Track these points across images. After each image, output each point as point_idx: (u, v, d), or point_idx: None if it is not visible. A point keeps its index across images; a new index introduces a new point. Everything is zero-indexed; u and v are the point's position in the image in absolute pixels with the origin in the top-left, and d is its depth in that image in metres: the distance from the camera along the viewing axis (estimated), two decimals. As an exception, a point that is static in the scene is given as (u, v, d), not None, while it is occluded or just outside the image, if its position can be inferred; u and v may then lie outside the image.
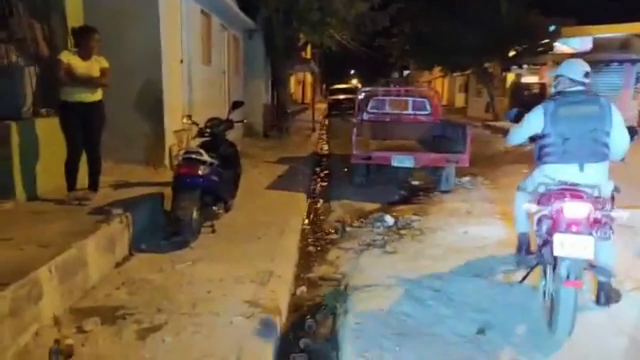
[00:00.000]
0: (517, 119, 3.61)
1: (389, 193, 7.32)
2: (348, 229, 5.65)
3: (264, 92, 14.90)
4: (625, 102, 17.86)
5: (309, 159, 10.26)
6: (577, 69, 3.36)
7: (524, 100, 21.14)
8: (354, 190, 7.44)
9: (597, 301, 3.28)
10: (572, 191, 3.04)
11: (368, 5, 13.79)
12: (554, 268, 2.94)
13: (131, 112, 6.55)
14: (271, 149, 11.40)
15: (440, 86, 39.39)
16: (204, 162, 4.65)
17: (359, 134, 7.27)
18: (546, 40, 18.49)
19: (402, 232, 5.38)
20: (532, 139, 3.48)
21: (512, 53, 20.23)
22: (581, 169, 3.16)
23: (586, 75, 3.34)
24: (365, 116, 8.89)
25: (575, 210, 2.90)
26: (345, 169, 8.46)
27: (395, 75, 54.88)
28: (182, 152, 4.89)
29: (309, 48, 21.93)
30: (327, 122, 22.05)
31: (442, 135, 7.85)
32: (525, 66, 19.77)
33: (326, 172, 9.58)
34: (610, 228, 2.90)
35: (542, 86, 20.39)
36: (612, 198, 3.18)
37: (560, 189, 3.11)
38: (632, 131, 3.34)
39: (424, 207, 6.49)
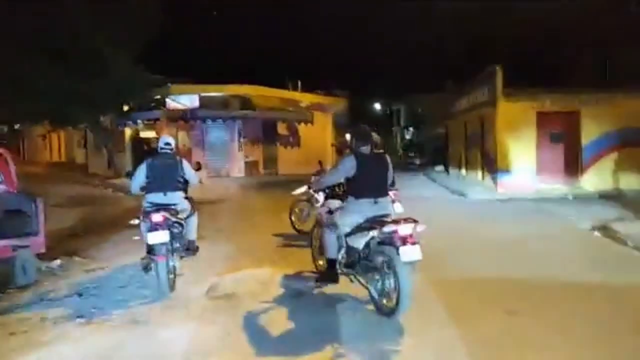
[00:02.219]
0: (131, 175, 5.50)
1: None
2: None
3: None
4: (234, 154, 19.91)
5: None
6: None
7: (145, 154, 20.95)
8: None
9: None
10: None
11: None
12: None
13: None
14: None
15: (57, 141, 35.37)
16: None
17: None
18: (157, 96, 18.76)
19: None
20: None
21: (126, 108, 19.68)
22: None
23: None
24: None
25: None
26: None
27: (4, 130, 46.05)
28: None
29: None
30: None
31: (16, 210, 5.99)
32: (139, 121, 19.48)
33: None
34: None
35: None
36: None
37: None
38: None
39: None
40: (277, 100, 20.47)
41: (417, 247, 4.03)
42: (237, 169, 19.83)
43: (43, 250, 5.23)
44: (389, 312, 4.15)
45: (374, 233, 4.23)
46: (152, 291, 4.97)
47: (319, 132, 22.99)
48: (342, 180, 4.76)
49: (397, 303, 4.01)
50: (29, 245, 5.11)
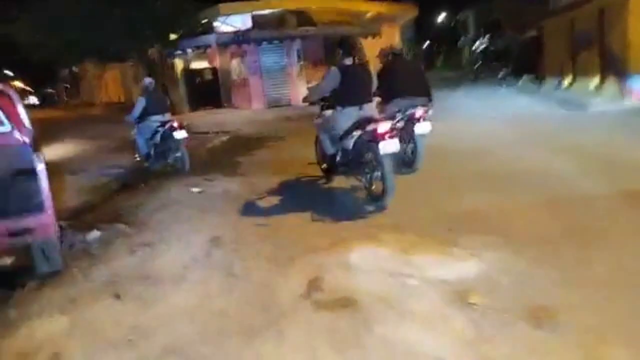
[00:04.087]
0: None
1: None
2: None
3: None
4: (293, 80, 17.74)
5: None
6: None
7: (198, 89, 19.24)
8: None
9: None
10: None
11: None
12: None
13: None
14: None
15: (113, 80, 34.56)
16: None
17: None
18: (205, 20, 16.67)
19: None
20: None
21: (173, 36, 17.79)
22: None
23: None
24: None
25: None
26: None
27: (66, 72, 45.96)
28: None
29: None
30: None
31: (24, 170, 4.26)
32: (190, 50, 17.58)
33: None
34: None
35: (215, 71, 18.72)
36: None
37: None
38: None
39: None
40: (338, 13, 17.73)
41: (394, 141, 4.59)
42: (299, 96, 17.73)
43: (51, 232, 3.53)
44: (377, 198, 4.81)
45: (358, 133, 4.87)
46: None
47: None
48: (329, 91, 5.05)
49: (384, 191, 4.67)
50: (31, 228, 3.42)
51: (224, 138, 12.25)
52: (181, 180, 6.97)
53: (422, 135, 5.86)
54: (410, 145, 5.99)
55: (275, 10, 16.63)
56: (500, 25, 32.26)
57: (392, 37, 20.50)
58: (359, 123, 4.86)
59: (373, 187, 4.88)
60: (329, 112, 5.37)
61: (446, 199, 4.99)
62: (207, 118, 15.75)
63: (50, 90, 54.25)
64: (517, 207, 4.57)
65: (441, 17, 47.87)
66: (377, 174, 4.73)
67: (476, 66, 27.23)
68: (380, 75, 5.77)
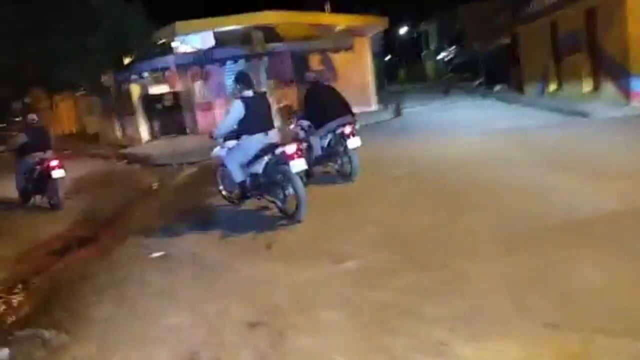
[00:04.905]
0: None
1: None
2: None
3: None
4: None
5: None
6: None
7: (159, 115, 17.60)
8: None
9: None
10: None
11: None
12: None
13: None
14: None
15: (67, 111, 32.31)
16: None
17: None
18: (162, 40, 15.16)
19: None
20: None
21: (127, 60, 16.18)
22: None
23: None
24: None
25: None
26: None
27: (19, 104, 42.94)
28: None
29: None
30: None
31: None
32: (145, 74, 15.97)
33: None
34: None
35: (176, 96, 17.13)
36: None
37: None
38: None
39: None
40: (307, 28, 16.52)
41: (302, 160, 5.08)
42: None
43: None
44: (292, 216, 5.14)
45: (268, 157, 5.27)
46: None
47: (357, 62, 19.04)
48: (235, 124, 5.37)
49: (297, 206, 5.06)
50: None
51: (189, 171, 10.75)
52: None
53: (355, 149, 6.61)
54: (346, 159, 6.75)
55: (238, 26, 15.27)
56: (461, 36, 31.96)
57: (363, 50, 19.48)
58: (267, 148, 5.26)
59: (287, 204, 5.21)
60: (232, 143, 5.61)
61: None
62: (170, 147, 14.14)
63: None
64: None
65: (403, 30, 47.65)
66: (290, 191, 5.10)
67: (446, 78, 26.51)
68: (305, 102, 7.01)
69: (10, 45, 13.60)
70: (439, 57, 40.95)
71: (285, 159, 5.01)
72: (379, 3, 18.19)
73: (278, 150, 5.14)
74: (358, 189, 6.44)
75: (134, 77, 16.23)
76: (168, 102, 17.28)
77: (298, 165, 5.01)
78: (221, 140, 5.68)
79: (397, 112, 17.69)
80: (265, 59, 15.65)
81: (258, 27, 15.22)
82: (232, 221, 5.68)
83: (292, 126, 7.36)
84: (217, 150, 5.92)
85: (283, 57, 16.32)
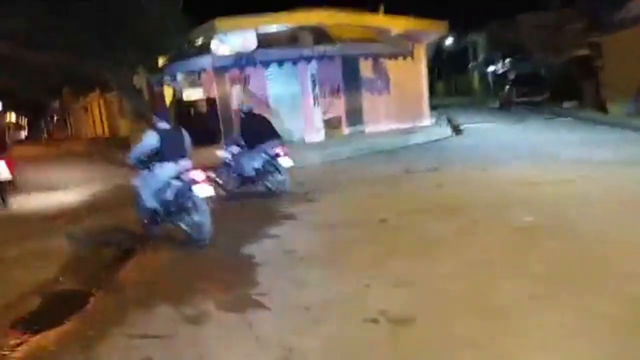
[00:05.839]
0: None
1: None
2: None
3: None
4: (308, 111, 14.54)
5: None
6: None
7: (191, 121, 15.95)
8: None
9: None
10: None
11: None
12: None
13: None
14: None
15: (98, 111, 31.44)
16: None
17: None
18: (199, 40, 13.57)
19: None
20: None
21: (162, 61, 14.69)
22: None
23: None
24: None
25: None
26: None
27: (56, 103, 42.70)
28: None
29: None
30: None
31: None
32: (179, 75, 14.39)
33: None
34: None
35: (210, 102, 15.46)
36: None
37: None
38: None
39: None
40: (360, 30, 14.62)
41: (210, 186, 5.47)
42: (315, 132, 14.47)
43: None
44: (198, 242, 5.43)
45: (177, 183, 5.50)
46: None
47: (412, 71, 17.00)
48: (148, 152, 5.59)
49: (201, 230, 5.38)
50: None
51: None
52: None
53: (286, 168, 7.87)
54: (278, 176, 7.91)
55: (285, 26, 13.54)
56: (522, 47, 29.46)
57: (419, 58, 17.45)
58: (176, 175, 5.54)
59: (194, 232, 5.47)
60: (146, 171, 5.76)
61: None
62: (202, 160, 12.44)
63: (41, 124, 51.12)
64: None
65: (449, 40, 45.35)
66: (197, 217, 5.40)
67: (506, 92, 24.13)
68: (241, 129, 8.21)
69: (43, 41, 12.40)
70: (489, 69, 38.38)
71: (193, 183, 5.32)
72: (426, 14, 16.28)
73: (185, 177, 5.43)
74: (485, 241, 4.43)
75: (167, 79, 14.70)
76: (202, 109, 15.68)
77: (204, 190, 5.34)
78: (140, 167, 5.79)
79: (456, 130, 15.60)
80: (314, 62, 13.83)
81: (306, 27, 13.44)
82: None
83: (220, 152, 8.25)
84: (134, 179, 5.99)
85: (332, 62, 14.48)
